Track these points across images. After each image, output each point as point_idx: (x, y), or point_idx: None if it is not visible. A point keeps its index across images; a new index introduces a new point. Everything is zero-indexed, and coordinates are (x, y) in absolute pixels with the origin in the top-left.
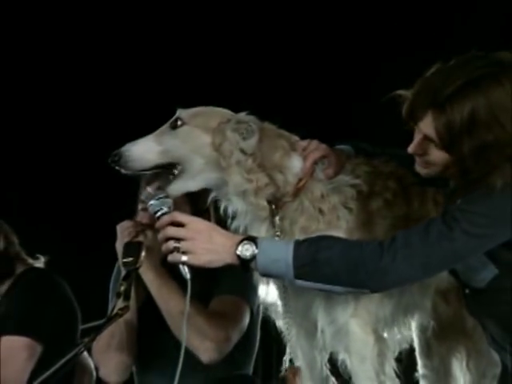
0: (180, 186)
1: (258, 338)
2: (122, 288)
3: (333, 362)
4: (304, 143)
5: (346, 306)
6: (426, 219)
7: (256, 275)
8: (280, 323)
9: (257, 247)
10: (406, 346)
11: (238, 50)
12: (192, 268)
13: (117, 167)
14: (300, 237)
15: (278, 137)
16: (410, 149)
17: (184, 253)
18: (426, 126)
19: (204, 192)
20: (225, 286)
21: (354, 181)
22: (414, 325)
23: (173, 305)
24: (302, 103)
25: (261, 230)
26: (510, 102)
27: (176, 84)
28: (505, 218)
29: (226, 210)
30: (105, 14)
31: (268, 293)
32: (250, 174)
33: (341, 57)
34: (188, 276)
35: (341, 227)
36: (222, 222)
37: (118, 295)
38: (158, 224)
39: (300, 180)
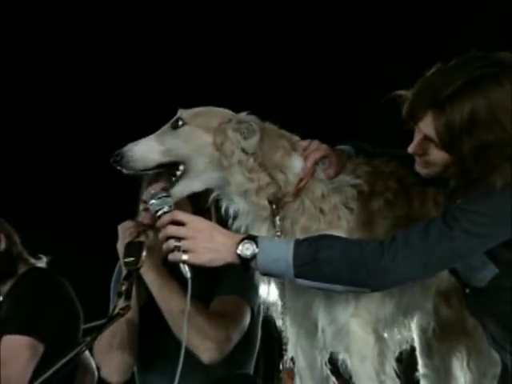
0: (184, 187)
1: (259, 337)
2: (123, 288)
3: (333, 362)
4: (305, 143)
5: (347, 306)
6: (427, 219)
7: (257, 275)
8: (280, 323)
9: (257, 246)
10: (406, 346)
11: (240, 51)
12: (193, 267)
13: (118, 167)
14: (301, 236)
15: (278, 137)
16: (410, 149)
17: (185, 252)
18: (426, 125)
19: (205, 191)
20: (226, 286)
21: (354, 181)
22: (414, 325)
23: (174, 304)
24: (303, 103)
25: (261, 230)
26: (510, 102)
27: (177, 84)
28: (505, 218)
29: (227, 210)
30: (106, 15)
31: (269, 292)
32: (252, 173)
33: (341, 57)
34: (188, 275)
35: (342, 227)
36: (223, 221)
37: (119, 295)
38: (158, 223)
39: (301, 180)
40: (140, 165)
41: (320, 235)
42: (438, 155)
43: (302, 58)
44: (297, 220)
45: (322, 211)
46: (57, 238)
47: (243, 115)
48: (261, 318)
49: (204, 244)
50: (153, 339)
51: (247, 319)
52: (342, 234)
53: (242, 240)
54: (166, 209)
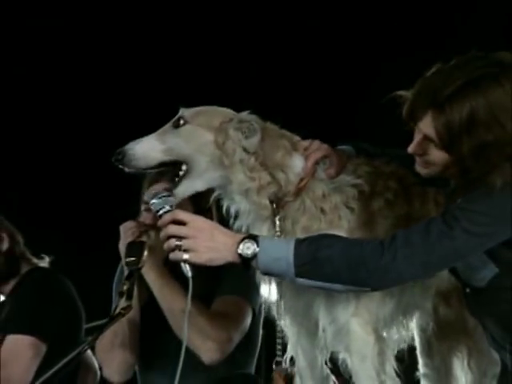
0: (187, 187)
1: (260, 337)
2: (125, 287)
3: (333, 361)
4: (306, 143)
5: (347, 306)
6: (427, 218)
7: (257, 274)
8: (281, 322)
9: (258, 246)
10: (404, 345)
11: (241, 51)
12: (194, 267)
13: (120, 166)
14: (302, 236)
15: (279, 136)
16: (410, 149)
17: (186, 251)
18: (426, 125)
19: (206, 191)
20: (227, 286)
21: (355, 181)
22: (414, 324)
23: (175, 304)
24: (303, 103)
25: (262, 230)
26: (510, 102)
27: (178, 83)
28: (505, 217)
29: (228, 209)
30: (107, 14)
31: (270, 292)
32: (253, 172)
33: (341, 57)
34: (189, 274)
35: (342, 227)
36: (224, 220)
37: (121, 294)
38: (159, 222)
39: (301, 179)
40: (142, 163)
41: (320, 235)
42: (437, 155)
43: (302, 58)
44: (298, 220)
45: (322, 211)
46: (59, 238)
47: (244, 115)
48: (262, 318)
49: (205, 243)
50: (154, 339)
51: (248, 319)
52: (342, 233)
53: (243, 239)
54: (167, 208)
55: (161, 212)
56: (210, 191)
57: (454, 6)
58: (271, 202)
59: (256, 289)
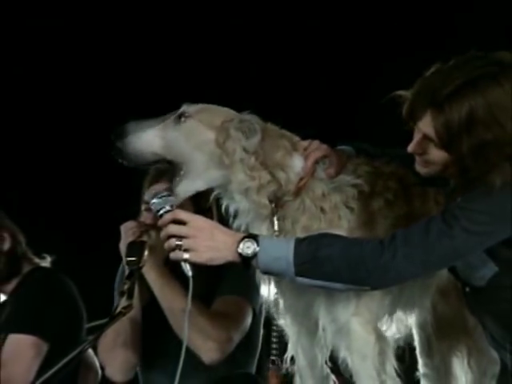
0: (187, 186)
1: (261, 337)
2: (126, 287)
3: (334, 361)
4: (305, 143)
5: (348, 305)
6: (426, 217)
7: (257, 274)
8: (281, 322)
9: (258, 245)
10: (402, 343)
11: (241, 50)
12: (194, 266)
13: (119, 159)
14: (302, 236)
15: (279, 137)
16: (410, 148)
17: (186, 250)
18: (426, 125)
19: (206, 191)
20: (227, 286)
21: (355, 180)
22: (413, 323)
23: (175, 304)
24: (304, 104)
25: (262, 229)
26: (509, 101)
27: (178, 84)
28: (504, 216)
29: (227, 208)
30: (108, 12)
31: (270, 292)
32: (253, 171)
33: (342, 57)
34: (190, 273)
35: (342, 226)
36: (225, 220)
37: (122, 294)
38: (160, 222)
39: (301, 179)
40: (140, 158)
41: (320, 234)
42: (437, 154)
43: (302, 58)
44: (297, 219)
45: (322, 210)
46: (60, 238)
47: (245, 115)
48: (263, 318)
49: (205, 242)
50: (155, 338)
51: (249, 319)
52: (342, 233)
53: (243, 238)
54: (167, 208)
55: (161, 212)
56: (210, 191)
57: (454, 6)
58: (270, 202)
59: (256, 288)
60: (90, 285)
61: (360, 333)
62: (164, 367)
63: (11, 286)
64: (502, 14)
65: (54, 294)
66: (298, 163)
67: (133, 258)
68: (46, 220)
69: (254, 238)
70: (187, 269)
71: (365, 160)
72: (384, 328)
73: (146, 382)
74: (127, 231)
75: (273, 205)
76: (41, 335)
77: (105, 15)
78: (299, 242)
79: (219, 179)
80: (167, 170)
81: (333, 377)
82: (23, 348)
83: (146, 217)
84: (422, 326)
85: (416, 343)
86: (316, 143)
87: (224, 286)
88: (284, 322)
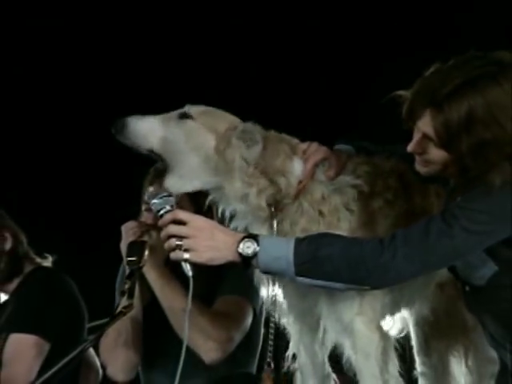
0: (177, 184)
1: (262, 337)
2: (126, 286)
3: (335, 359)
4: (304, 146)
5: (352, 304)
6: (428, 214)
7: (257, 274)
8: (284, 321)
9: (258, 245)
10: (402, 337)
11: (243, 51)
12: (195, 266)
13: (117, 136)
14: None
15: (279, 142)
16: (410, 148)
17: (186, 250)
18: (425, 124)
19: (207, 190)
20: (228, 286)
21: (355, 181)
22: (411, 322)
23: (175, 303)
24: (304, 104)
25: (261, 232)
26: (508, 101)
27: (178, 86)
28: (504, 215)
29: (223, 212)
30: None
31: (273, 291)
32: (251, 179)
33: (342, 57)
34: (190, 273)
35: (342, 228)
36: (224, 220)
37: (122, 293)
38: (160, 222)
39: (300, 182)
40: (139, 141)
41: (320, 234)
42: (437, 154)
43: (302, 59)
44: (296, 222)
45: (321, 213)
46: (61, 238)
47: (249, 125)
48: (263, 318)
49: (205, 242)
50: (156, 338)
51: (249, 319)
52: (343, 234)
53: (243, 238)
54: (167, 208)
55: (161, 212)
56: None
57: (454, 6)
58: (269, 205)
59: (257, 288)
60: (91, 284)
61: (364, 332)
62: (165, 367)
63: (13, 285)
64: (502, 14)
65: (56, 293)
66: (297, 167)
67: (133, 258)
68: (48, 220)
69: (254, 237)
70: (187, 269)
71: (364, 159)
72: (386, 327)
73: (147, 381)
74: (128, 231)
75: (272, 208)
76: (42, 335)
77: (106, 15)
78: (299, 242)
79: (210, 184)
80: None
81: (334, 376)
82: (25, 347)
83: (146, 217)
84: (419, 325)
85: (413, 342)
86: (315, 145)
87: (224, 285)
88: (286, 320)
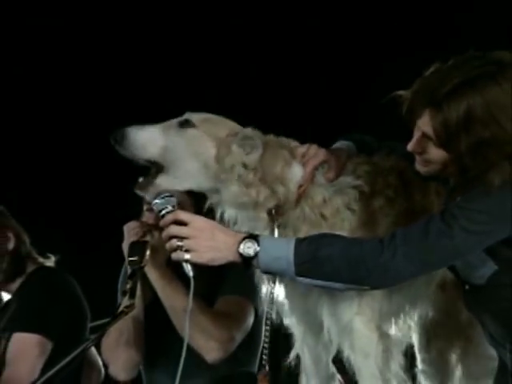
0: (169, 182)
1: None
2: (128, 286)
3: (340, 360)
4: (303, 149)
5: (351, 304)
6: (429, 212)
7: (257, 274)
8: (287, 321)
9: (258, 245)
10: (407, 339)
11: (243, 53)
12: (196, 266)
13: (116, 147)
14: None
15: (278, 147)
16: (409, 147)
17: (187, 251)
18: (424, 124)
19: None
20: (229, 286)
21: (355, 182)
22: (413, 319)
23: (177, 303)
24: (304, 104)
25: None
26: (507, 100)
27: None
28: (504, 215)
29: (222, 215)
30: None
31: (275, 292)
32: (250, 187)
33: (342, 57)
34: (191, 274)
35: (344, 228)
36: (225, 221)
37: (124, 293)
38: (161, 222)
39: (301, 186)
40: (139, 151)
41: (320, 234)
42: (436, 153)
43: (302, 59)
44: (299, 228)
45: (323, 216)
46: (64, 238)
47: (249, 130)
48: (265, 317)
49: (206, 243)
50: (158, 337)
51: (251, 319)
52: (344, 234)
53: (244, 239)
54: (169, 208)
55: (163, 212)
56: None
57: (455, 6)
58: (270, 212)
59: (258, 288)
60: (93, 284)
61: (363, 331)
62: (166, 366)
63: (15, 285)
64: (502, 14)
65: (58, 293)
66: (297, 172)
67: (135, 258)
68: (50, 220)
69: (254, 238)
70: (188, 269)
71: (364, 159)
72: (393, 327)
73: (149, 380)
74: (130, 231)
75: (273, 212)
76: (45, 334)
77: (106, 19)
78: (299, 242)
79: (205, 187)
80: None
81: (338, 376)
82: (28, 346)
83: (148, 217)
84: (420, 322)
85: (414, 339)
86: (314, 148)
87: (226, 285)
88: (289, 321)
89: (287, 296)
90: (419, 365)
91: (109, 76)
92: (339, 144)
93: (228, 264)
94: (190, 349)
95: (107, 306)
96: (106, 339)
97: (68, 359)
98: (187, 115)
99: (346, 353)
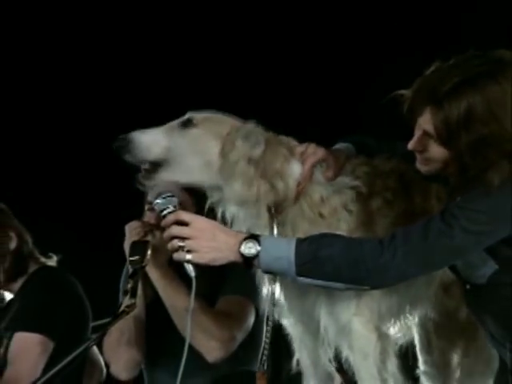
0: (169, 174)
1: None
2: (129, 286)
3: (338, 360)
4: (302, 148)
5: (349, 305)
6: (428, 215)
7: (258, 275)
8: (285, 322)
9: (259, 245)
10: (404, 341)
11: (244, 56)
12: (198, 267)
13: (120, 153)
14: None
15: (278, 144)
16: (410, 145)
17: (188, 251)
18: (425, 121)
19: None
20: (230, 286)
21: (353, 183)
22: (414, 321)
23: (178, 303)
24: (304, 104)
25: (263, 233)
26: (507, 98)
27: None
28: (504, 215)
29: (223, 215)
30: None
31: (274, 292)
32: (251, 182)
33: (342, 58)
34: (193, 274)
35: (342, 229)
36: (226, 221)
37: (125, 293)
38: (163, 223)
39: (299, 184)
40: (144, 155)
41: (321, 234)
42: (437, 151)
43: (303, 59)
44: (297, 225)
45: (321, 215)
46: (66, 238)
47: (251, 126)
48: (266, 317)
49: (207, 243)
50: (159, 336)
51: (252, 319)
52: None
53: (245, 239)
54: (170, 208)
55: (164, 212)
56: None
57: (455, 6)
58: (269, 209)
59: (259, 288)
60: (95, 284)
61: (361, 332)
62: (168, 365)
63: (17, 284)
64: (503, 15)
65: (60, 293)
66: (296, 169)
67: (136, 258)
68: (52, 220)
69: (255, 238)
70: (190, 269)
71: (364, 160)
72: (390, 327)
73: (150, 380)
74: (131, 231)
75: (272, 210)
76: (47, 333)
77: (106, 20)
78: (300, 242)
79: (207, 184)
80: None
81: (337, 376)
82: (30, 346)
83: (149, 216)
84: (421, 324)
85: (416, 340)
86: (312, 147)
87: (227, 285)
88: (287, 322)
89: (285, 296)
90: (421, 366)
91: (109, 75)
92: (338, 146)
93: (229, 264)
94: (191, 348)
95: (109, 306)
96: (108, 339)
97: (69, 358)
98: (189, 115)
99: (345, 353)
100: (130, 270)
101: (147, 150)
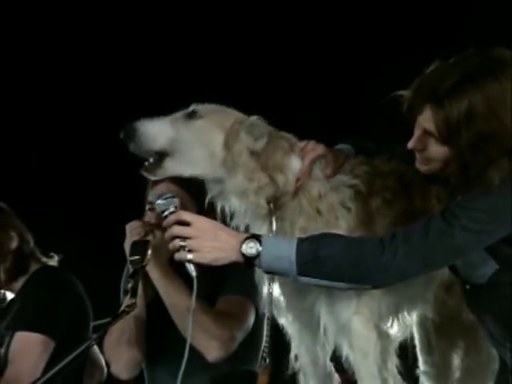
0: (174, 166)
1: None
2: (129, 285)
3: (337, 359)
4: (302, 144)
5: (349, 304)
6: (428, 215)
7: (258, 274)
8: (282, 320)
9: (261, 245)
10: (403, 340)
11: (243, 51)
12: (199, 266)
13: (126, 143)
14: (300, 236)
15: (279, 138)
16: (410, 144)
17: (190, 251)
18: (426, 120)
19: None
20: (231, 285)
21: (352, 181)
22: (414, 321)
23: (179, 303)
24: (305, 104)
25: (262, 230)
26: (507, 96)
27: (179, 86)
28: (504, 214)
29: (223, 209)
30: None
31: (273, 290)
32: (252, 174)
33: (342, 58)
34: (194, 274)
35: (340, 227)
36: (226, 219)
37: (126, 292)
38: (164, 223)
39: (298, 179)
40: (150, 144)
41: (322, 233)
42: (437, 150)
43: (303, 59)
44: (295, 220)
45: (318, 211)
46: (67, 238)
47: (255, 119)
48: (266, 317)
49: (208, 243)
50: (160, 336)
51: (252, 318)
52: (341, 233)
53: (246, 239)
54: (171, 209)
55: (166, 213)
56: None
57: (455, 6)
58: (268, 203)
59: (259, 287)
60: (96, 283)
61: (361, 331)
62: (168, 365)
63: (18, 284)
64: (503, 15)
65: (61, 292)
66: (295, 164)
67: (136, 257)
68: (53, 219)
69: (256, 238)
70: (191, 269)
71: (363, 159)
72: (389, 326)
73: (150, 379)
74: (132, 231)
75: (271, 205)
76: (48, 333)
77: (109, 16)
78: (301, 242)
79: (209, 175)
80: None
81: (336, 375)
82: (31, 345)
83: (150, 216)
84: (422, 324)
85: (416, 340)
86: (312, 144)
87: (227, 285)
88: (285, 320)
89: (284, 295)
90: (421, 366)
91: (112, 70)
92: (338, 147)
93: (229, 264)
94: (191, 348)
95: (110, 306)
96: (108, 338)
97: (70, 358)
98: (193, 106)
99: (345, 352)
100: (131, 270)
101: (153, 139)
